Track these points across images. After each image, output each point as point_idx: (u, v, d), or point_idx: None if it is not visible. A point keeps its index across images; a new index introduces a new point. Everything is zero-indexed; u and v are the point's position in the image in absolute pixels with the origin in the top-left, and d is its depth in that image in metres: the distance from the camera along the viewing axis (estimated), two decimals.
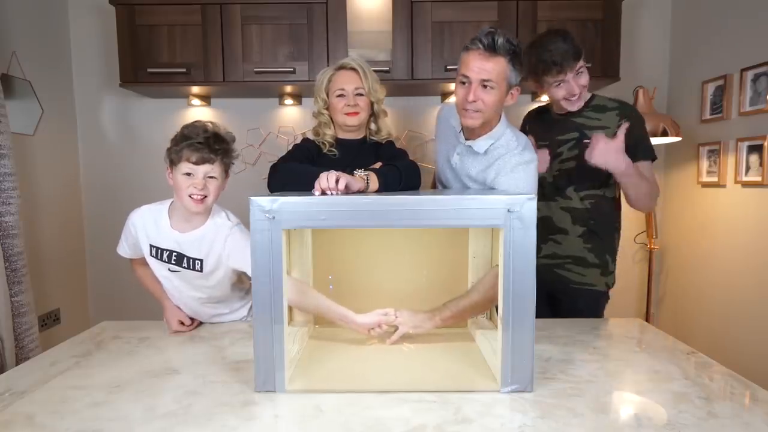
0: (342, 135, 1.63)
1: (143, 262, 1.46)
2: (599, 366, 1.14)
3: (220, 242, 1.37)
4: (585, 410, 0.93)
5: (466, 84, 1.34)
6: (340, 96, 1.55)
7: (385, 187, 1.35)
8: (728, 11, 2.26)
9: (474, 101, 1.33)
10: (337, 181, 1.14)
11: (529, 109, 1.90)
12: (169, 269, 1.40)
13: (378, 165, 1.45)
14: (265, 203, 0.98)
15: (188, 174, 1.31)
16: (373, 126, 1.63)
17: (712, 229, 2.36)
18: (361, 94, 1.56)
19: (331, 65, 1.63)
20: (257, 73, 2.32)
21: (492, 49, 1.29)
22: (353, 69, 1.57)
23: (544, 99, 2.58)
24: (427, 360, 1.18)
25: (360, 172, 1.29)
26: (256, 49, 2.33)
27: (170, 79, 2.35)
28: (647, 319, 2.57)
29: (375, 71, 1.62)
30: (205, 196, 1.32)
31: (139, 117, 2.68)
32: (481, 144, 1.42)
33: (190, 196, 1.31)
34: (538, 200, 1.50)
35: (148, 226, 1.39)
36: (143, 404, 0.96)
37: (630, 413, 0.92)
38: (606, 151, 1.47)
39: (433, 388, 1.02)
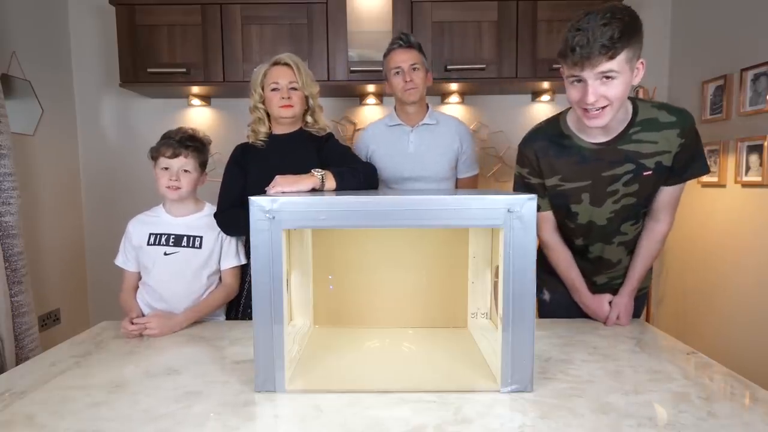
0: (277, 130, 1.69)
1: (131, 286, 1.56)
2: (599, 366, 1.13)
3: (216, 227, 1.54)
4: (585, 410, 0.93)
5: (400, 73, 1.78)
6: (274, 90, 1.62)
7: (343, 185, 1.39)
8: (728, 11, 2.26)
9: (411, 80, 1.77)
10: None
11: (531, 131, 1.42)
12: (165, 252, 1.50)
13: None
14: (265, 203, 0.98)
15: (166, 168, 1.49)
16: (309, 119, 1.69)
17: (712, 229, 2.36)
18: (295, 89, 1.62)
19: (266, 62, 1.67)
20: None
21: (409, 44, 1.79)
22: (287, 65, 1.62)
23: (545, 99, 2.58)
24: (427, 360, 1.18)
25: (317, 173, 1.35)
26: (256, 49, 2.34)
27: (170, 79, 2.35)
28: (647, 319, 2.58)
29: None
30: (179, 188, 1.49)
31: (139, 117, 2.68)
32: (431, 117, 1.89)
33: (167, 187, 1.49)
34: (591, 243, 1.43)
35: (145, 221, 1.55)
36: (143, 404, 0.96)
37: (630, 413, 0.92)
38: (629, 314, 1.45)
39: (433, 388, 1.02)
